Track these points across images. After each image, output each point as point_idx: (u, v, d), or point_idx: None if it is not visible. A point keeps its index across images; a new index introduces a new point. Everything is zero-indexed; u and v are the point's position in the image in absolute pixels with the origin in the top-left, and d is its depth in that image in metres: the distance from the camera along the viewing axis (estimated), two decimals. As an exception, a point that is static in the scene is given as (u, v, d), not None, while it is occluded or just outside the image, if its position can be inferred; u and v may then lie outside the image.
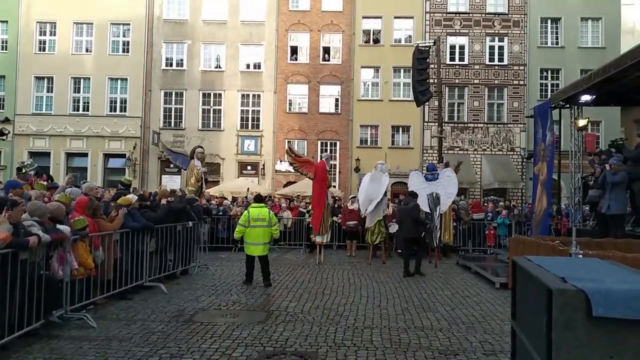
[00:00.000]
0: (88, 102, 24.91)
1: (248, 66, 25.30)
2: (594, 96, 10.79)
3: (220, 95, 25.06)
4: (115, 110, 25.01)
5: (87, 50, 25.13)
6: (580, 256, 5.64)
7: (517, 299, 3.13)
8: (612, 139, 19.29)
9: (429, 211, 11.79)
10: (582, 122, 11.71)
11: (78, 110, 24.98)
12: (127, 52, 25.05)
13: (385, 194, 12.28)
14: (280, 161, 24.70)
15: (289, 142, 12.35)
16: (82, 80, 25.01)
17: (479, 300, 7.59)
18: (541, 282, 2.35)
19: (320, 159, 12.10)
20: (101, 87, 24.72)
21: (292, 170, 24.54)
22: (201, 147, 11.18)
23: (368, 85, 25.19)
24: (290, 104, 25.22)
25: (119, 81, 25.05)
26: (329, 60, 25.24)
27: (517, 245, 9.32)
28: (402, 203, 11.44)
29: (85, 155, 24.83)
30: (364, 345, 5.08)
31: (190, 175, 10.59)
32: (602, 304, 2.07)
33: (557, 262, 2.93)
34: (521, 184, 23.41)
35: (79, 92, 25.06)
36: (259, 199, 9.43)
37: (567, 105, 12.01)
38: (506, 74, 24.52)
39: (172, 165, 24.95)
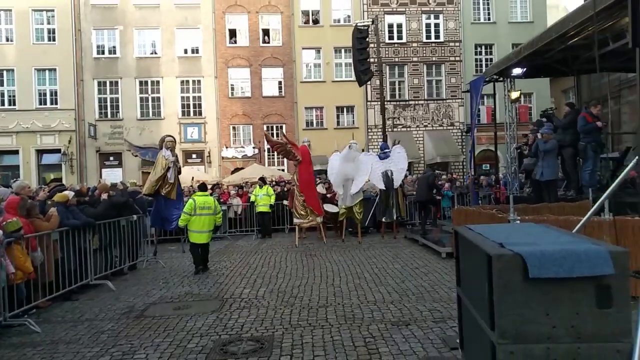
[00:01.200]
0: (14, 96, 23.27)
1: (186, 51, 24.48)
2: (525, 69, 11.30)
3: (158, 82, 24.14)
4: (45, 103, 23.53)
5: (7, 40, 23.36)
6: (518, 222, 5.97)
7: (461, 267, 3.27)
8: (543, 109, 20.36)
9: (385, 188, 12.14)
10: (515, 95, 12.26)
11: (3, 104, 23.28)
12: (54, 40, 23.51)
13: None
14: (226, 147, 24.29)
15: (265, 130, 12.41)
16: (5, 72, 23.28)
17: (427, 270, 7.88)
18: (481, 249, 2.46)
19: (302, 144, 12.17)
20: (27, 78, 23.12)
21: (239, 157, 24.37)
22: (171, 136, 10.67)
23: (310, 66, 25.09)
24: (232, 89, 24.73)
25: (47, 72, 23.52)
26: (269, 43, 24.87)
27: (460, 215, 9.72)
28: (422, 172, 12.49)
29: (16, 152, 23.28)
30: (319, 324, 5.15)
31: (155, 166, 10.11)
32: (537, 266, 2.20)
33: (496, 229, 3.07)
34: (462, 157, 24.33)
35: (2, 85, 23.33)
36: (202, 187, 9.53)
37: (501, 79, 12.52)
38: (443, 51, 25.16)
39: (111, 158, 24.00)
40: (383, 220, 12.65)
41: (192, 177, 18.33)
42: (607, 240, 5.20)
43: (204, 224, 8.73)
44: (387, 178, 12.10)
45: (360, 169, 12.10)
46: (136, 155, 12.28)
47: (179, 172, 10.52)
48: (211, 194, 11.52)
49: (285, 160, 24.57)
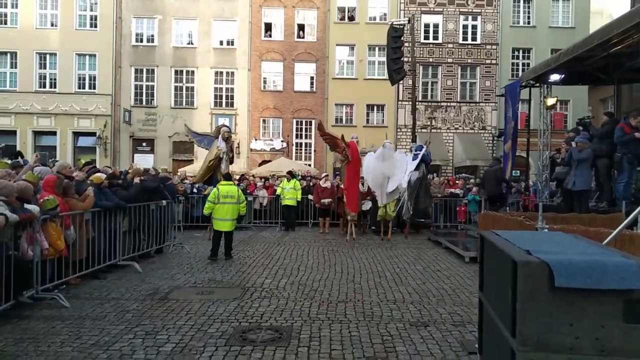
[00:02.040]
0: (55, 79, 24.05)
1: (221, 43, 24.79)
2: (563, 75, 11.01)
3: (192, 72, 24.54)
4: (84, 88, 24.25)
5: (52, 25, 24.14)
6: (546, 230, 5.86)
7: (485, 272, 3.24)
8: (579, 118, 19.81)
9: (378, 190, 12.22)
10: (551, 101, 11.96)
11: (44, 87, 24.10)
12: (95, 27, 24.17)
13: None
14: (255, 139, 24.53)
15: (319, 122, 12.60)
16: (47, 56, 24.08)
17: (449, 274, 7.81)
18: (507, 255, 2.44)
19: (351, 139, 12.18)
20: (68, 63, 23.86)
21: (268, 150, 24.57)
22: (227, 126, 10.96)
23: (343, 63, 25.05)
24: (264, 82, 24.92)
25: (87, 57, 24.22)
26: (303, 38, 24.95)
27: (487, 220, 9.58)
28: (489, 166, 12.41)
29: (54, 133, 24.09)
30: (338, 319, 5.19)
31: (208, 155, 10.39)
32: (563, 275, 2.17)
33: (523, 235, 3.04)
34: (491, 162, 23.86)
35: (44, 68, 24.14)
36: (227, 177, 9.77)
37: (537, 84, 12.24)
38: (479, 53, 24.72)
39: (144, 144, 24.55)
40: (407, 219, 12.61)
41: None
42: (638, 255, 5.05)
43: (227, 212, 8.93)
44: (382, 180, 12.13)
45: (397, 167, 12.17)
46: (192, 141, 12.48)
47: (231, 162, 10.74)
48: (238, 185, 11.69)
49: (312, 155, 24.69)
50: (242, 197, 9.35)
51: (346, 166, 12.07)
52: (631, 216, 3.40)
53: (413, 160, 12.50)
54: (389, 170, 12.05)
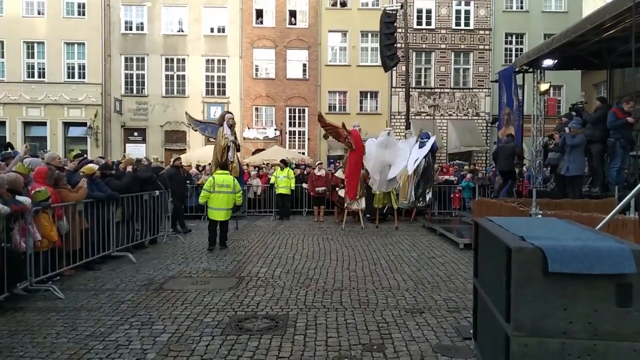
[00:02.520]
0: (44, 68, 23.71)
1: (212, 30, 24.50)
2: (556, 60, 11.01)
3: (183, 60, 24.28)
4: (73, 77, 23.92)
5: (39, 13, 23.72)
6: (540, 216, 5.89)
7: (479, 258, 3.25)
8: (572, 103, 19.90)
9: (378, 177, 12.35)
10: (544, 87, 11.97)
11: (33, 76, 23.75)
12: (83, 15, 23.78)
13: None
14: (248, 128, 24.40)
15: (319, 113, 12.65)
16: (35, 45, 23.71)
17: (444, 260, 7.86)
18: (501, 241, 2.45)
19: (353, 128, 12.17)
20: (57, 52, 23.51)
21: (261, 138, 24.46)
22: (230, 113, 10.84)
23: (336, 50, 24.87)
24: (256, 70, 24.71)
25: (76, 46, 23.86)
26: (295, 24, 24.71)
27: (481, 207, 9.62)
28: (503, 141, 12.25)
29: (44, 124, 23.82)
30: (334, 307, 5.21)
31: (217, 144, 10.29)
32: (557, 260, 2.18)
33: (517, 222, 3.04)
34: (485, 148, 23.96)
35: (32, 57, 23.77)
36: (223, 166, 9.68)
37: (530, 70, 12.23)
38: (472, 39, 24.62)
39: (135, 134, 24.35)
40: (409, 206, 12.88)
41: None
42: (631, 239, 5.10)
43: (222, 202, 8.87)
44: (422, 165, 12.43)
45: (399, 156, 12.27)
46: (196, 130, 12.31)
47: (238, 150, 10.66)
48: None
49: (306, 143, 24.63)
50: (237, 186, 9.25)
51: (349, 154, 12.08)
52: (624, 201, 3.42)
53: (420, 148, 12.63)
54: (390, 158, 12.17)
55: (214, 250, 8.67)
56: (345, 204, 12.12)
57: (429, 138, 12.97)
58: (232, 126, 10.41)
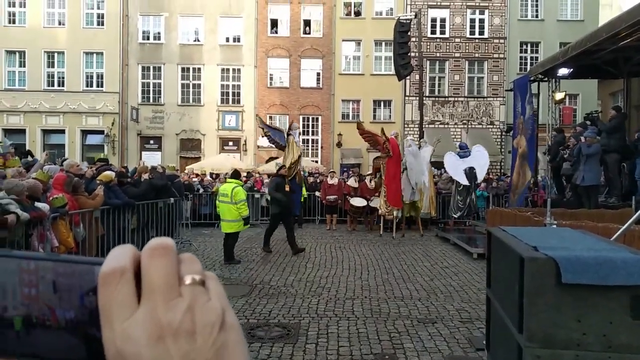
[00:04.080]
0: (63, 77, 24.19)
1: (227, 39, 24.80)
2: (572, 69, 10.91)
3: (199, 69, 24.60)
4: (91, 86, 24.37)
5: (60, 23, 24.28)
6: (554, 226, 5.83)
7: (492, 268, 3.24)
8: (587, 112, 19.72)
9: (468, 184, 12.74)
10: (559, 96, 11.86)
11: (53, 85, 24.26)
12: (102, 25, 24.28)
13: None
14: (262, 136, 24.54)
15: (359, 121, 12.94)
16: (56, 55, 24.24)
17: (457, 270, 7.79)
18: (514, 251, 2.44)
19: (391, 136, 12.34)
20: (76, 61, 24.00)
21: (274, 147, 24.53)
22: (297, 123, 11.33)
23: (349, 59, 24.98)
24: (271, 79, 24.91)
25: (95, 55, 24.34)
26: (309, 34, 24.90)
27: (495, 216, 9.54)
28: (551, 137, 12.09)
29: (62, 132, 24.26)
30: (345, 316, 5.21)
31: (288, 152, 10.51)
32: (570, 271, 2.17)
33: (530, 232, 3.03)
34: (500, 157, 23.76)
35: (53, 66, 24.29)
36: (233, 175, 9.02)
37: (546, 79, 12.13)
38: (486, 47, 24.54)
39: (151, 142, 24.66)
40: (456, 216, 13.16)
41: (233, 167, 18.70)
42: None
43: (223, 212, 8.40)
44: (471, 174, 12.67)
45: (424, 165, 12.72)
46: (268, 134, 12.33)
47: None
48: (245, 182, 11.71)
49: (319, 152, 24.68)
50: (236, 196, 8.25)
51: (387, 161, 12.13)
52: (640, 212, 3.38)
53: (462, 158, 12.88)
54: (420, 167, 12.34)
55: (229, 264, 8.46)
56: (380, 211, 12.20)
57: (467, 149, 13.28)
58: (299, 135, 10.79)
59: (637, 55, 9.84)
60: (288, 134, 10.70)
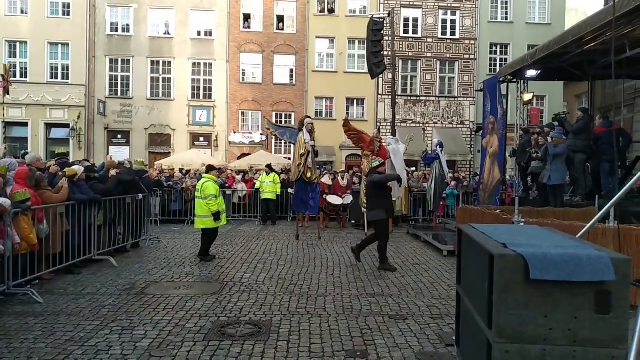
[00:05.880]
0: (26, 68, 23.36)
1: (199, 33, 24.42)
2: (539, 71, 11.20)
3: (169, 63, 24.14)
4: (56, 77, 23.62)
5: (22, 12, 23.40)
6: (522, 224, 5.96)
7: (462, 265, 3.29)
8: (555, 113, 20.27)
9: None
10: (527, 97, 12.16)
11: (15, 76, 23.28)
12: (68, 15, 23.53)
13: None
14: (234, 132, 24.31)
15: (346, 116, 12.54)
16: (18, 44, 23.36)
17: (428, 267, 7.90)
18: (483, 248, 2.48)
19: (373, 132, 12.21)
20: (40, 52, 23.20)
21: (247, 143, 24.36)
22: (309, 117, 10.74)
23: (323, 56, 24.98)
24: (243, 74, 24.68)
25: (60, 46, 23.58)
26: (283, 30, 24.77)
27: (465, 214, 9.72)
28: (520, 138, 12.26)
29: (25, 124, 23.43)
30: (317, 313, 5.20)
31: (297, 149, 10.22)
32: (538, 268, 2.21)
33: (499, 229, 3.08)
34: (470, 156, 24.22)
35: (15, 56, 23.40)
36: (207, 169, 8.89)
37: (514, 80, 12.42)
38: (457, 48, 24.95)
39: (119, 136, 24.07)
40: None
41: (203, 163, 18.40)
42: (610, 248, 5.19)
43: (195, 208, 8.39)
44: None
45: (401, 162, 12.52)
46: (275, 135, 12.05)
47: (317, 155, 10.59)
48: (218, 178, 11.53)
49: (291, 148, 24.57)
50: (205, 191, 8.11)
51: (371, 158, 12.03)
52: (603, 210, 3.48)
53: (433, 157, 12.99)
54: (399, 164, 12.32)
55: (196, 256, 8.43)
56: (363, 209, 12.15)
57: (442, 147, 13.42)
58: (311, 131, 10.40)
59: (601, 58, 10.18)
60: (299, 130, 10.51)
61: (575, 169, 9.97)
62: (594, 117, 10.56)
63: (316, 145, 10.57)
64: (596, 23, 7.95)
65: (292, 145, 11.17)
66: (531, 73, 11.28)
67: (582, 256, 2.23)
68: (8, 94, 19.33)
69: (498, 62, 24.75)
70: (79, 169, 7.70)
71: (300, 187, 10.55)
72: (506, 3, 25.20)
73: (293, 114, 24.44)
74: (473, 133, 24.53)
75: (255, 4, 24.52)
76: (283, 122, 24.56)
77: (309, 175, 10.33)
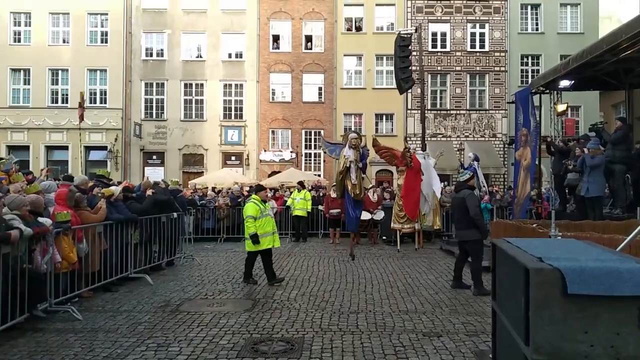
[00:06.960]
0: (67, 94, 24.41)
1: (230, 55, 25.04)
2: (573, 81, 10.96)
3: (202, 85, 24.80)
4: (95, 102, 24.58)
5: (64, 41, 24.59)
6: (559, 238, 5.78)
7: (497, 280, 3.21)
8: (592, 124, 19.72)
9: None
10: (561, 107, 11.88)
11: (57, 102, 24.48)
12: (106, 42, 24.58)
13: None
14: (265, 150, 24.63)
15: (374, 135, 12.59)
16: (60, 72, 24.50)
17: (462, 283, 7.71)
18: (519, 262, 2.42)
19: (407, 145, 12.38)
20: (80, 78, 24.24)
21: (277, 160, 24.64)
22: (355, 132, 10.69)
23: (351, 73, 25.15)
24: (273, 93, 25.08)
25: (98, 72, 24.61)
26: (311, 49, 25.12)
27: (499, 229, 9.49)
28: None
29: (66, 148, 24.41)
30: (350, 330, 5.15)
31: (339, 165, 10.36)
32: (576, 282, 2.15)
33: (535, 243, 3.01)
34: (503, 170, 23.72)
35: (57, 84, 24.54)
36: (256, 188, 8.67)
37: (547, 91, 12.17)
38: (487, 61, 24.69)
39: (154, 157, 24.73)
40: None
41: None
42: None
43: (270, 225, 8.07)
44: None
45: (435, 177, 12.56)
46: (325, 152, 12.22)
47: (364, 171, 10.58)
48: (247, 197, 11.69)
49: (322, 165, 24.71)
50: (245, 212, 7.93)
51: (406, 172, 11.97)
52: (645, 222, 3.35)
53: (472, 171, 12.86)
54: (429, 180, 12.27)
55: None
56: (394, 225, 12.03)
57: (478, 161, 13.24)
58: (355, 147, 10.34)
59: (638, 66, 9.87)
60: (344, 146, 10.52)
61: (614, 180, 9.61)
62: (633, 127, 10.21)
63: (360, 161, 10.36)
64: (632, 30, 7.73)
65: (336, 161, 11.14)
66: (564, 83, 11.04)
67: (623, 270, 2.15)
68: (83, 119, 20.19)
69: (530, 74, 24.30)
70: (116, 189, 7.95)
71: (348, 203, 10.43)
72: (536, 14, 24.86)
73: (322, 131, 24.58)
74: (506, 146, 24.06)
75: (284, 25, 25.02)
76: (313, 139, 24.77)
77: (357, 191, 10.19)
